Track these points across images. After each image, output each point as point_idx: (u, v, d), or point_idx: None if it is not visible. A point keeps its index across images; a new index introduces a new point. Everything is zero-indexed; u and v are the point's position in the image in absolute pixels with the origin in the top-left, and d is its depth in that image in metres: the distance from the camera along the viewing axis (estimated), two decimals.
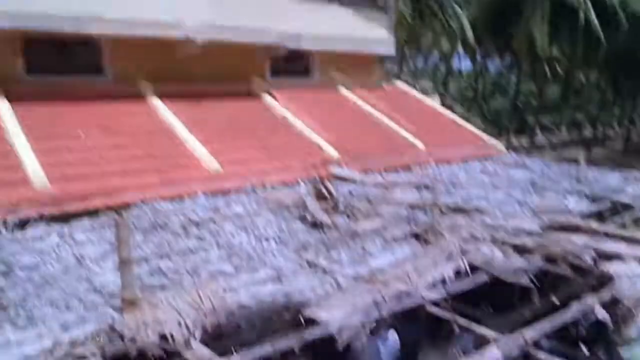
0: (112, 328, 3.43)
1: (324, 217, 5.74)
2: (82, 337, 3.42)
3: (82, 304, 3.99)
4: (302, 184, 7.34)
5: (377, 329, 5.55)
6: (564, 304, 4.43)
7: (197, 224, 5.72)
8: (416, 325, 5.98)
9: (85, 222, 5.75)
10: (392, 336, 5.71)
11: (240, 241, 5.23)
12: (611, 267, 4.80)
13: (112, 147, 7.14)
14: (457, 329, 5.21)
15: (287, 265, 4.68)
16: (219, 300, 3.84)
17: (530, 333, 3.62)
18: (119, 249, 3.75)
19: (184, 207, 6.32)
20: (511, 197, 7.50)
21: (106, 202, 6.03)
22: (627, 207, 7.38)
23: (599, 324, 5.50)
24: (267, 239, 5.29)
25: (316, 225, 5.69)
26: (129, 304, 3.75)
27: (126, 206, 6.12)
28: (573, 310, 4.04)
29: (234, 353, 3.30)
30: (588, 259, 4.94)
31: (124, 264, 3.67)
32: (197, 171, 7.13)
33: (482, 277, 4.53)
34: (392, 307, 3.98)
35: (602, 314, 5.47)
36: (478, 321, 4.07)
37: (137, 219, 5.82)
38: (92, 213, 5.91)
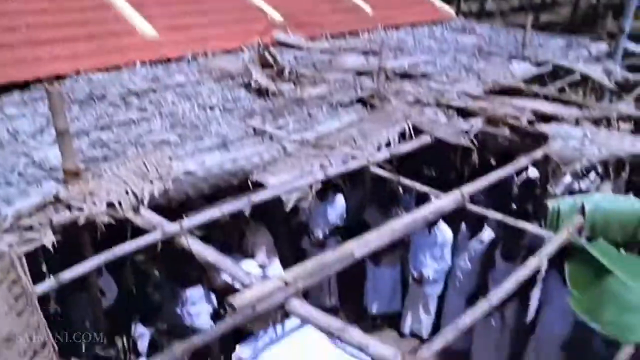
0: (57, 199, 3.40)
1: (269, 85, 5.64)
2: (27, 209, 3.38)
3: (23, 178, 3.90)
4: (245, 51, 7.09)
5: (324, 193, 5.81)
6: (501, 164, 4.71)
7: (137, 95, 5.52)
8: (361, 189, 6.28)
9: (15, 96, 5.44)
10: (339, 199, 6.00)
11: (184, 110, 5.12)
12: (547, 128, 5.05)
13: (37, 13, 6.54)
14: (400, 190, 5.52)
15: (233, 133, 4.66)
16: (166, 168, 3.84)
17: (468, 189, 3.85)
18: (55, 120, 3.59)
19: (121, 78, 6.04)
20: (457, 62, 7.56)
21: (36, 73, 5.67)
22: (568, 71, 7.62)
23: (531, 183, 5.94)
24: (211, 108, 5.20)
25: (261, 92, 5.61)
26: (71, 175, 3.69)
27: (58, 78, 5.80)
28: (508, 169, 4.29)
29: (184, 218, 3.38)
30: (525, 120, 5.16)
31: (61, 135, 3.54)
32: (132, 39, 6.71)
33: (425, 140, 4.68)
34: (338, 170, 4.09)
35: (533, 172, 5.90)
36: (420, 181, 4.28)
37: (72, 91, 5.55)
38: (22, 86, 5.58)
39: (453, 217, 5.54)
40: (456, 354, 5.75)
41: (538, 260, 3.19)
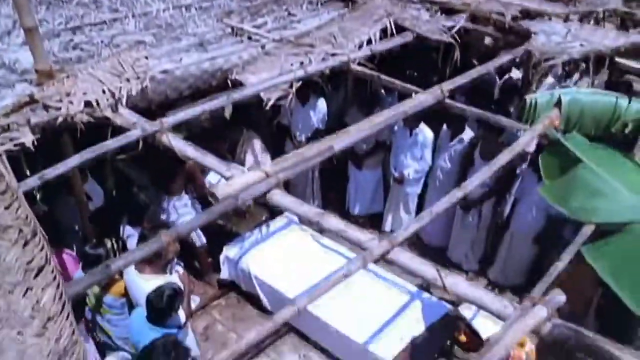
0: (32, 99, 3.38)
1: None
2: (1, 110, 3.38)
3: None
4: None
5: (306, 96, 5.80)
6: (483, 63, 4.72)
7: None
8: (343, 91, 6.27)
9: None
10: (320, 103, 6.01)
11: (158, 10, 4.97)
12: (531, 24, 5.02)
13: None
14: (381, 90, 5.54)
15: (210, 33, 4.57)
16: (142, 67, 3.80)
17: (447, 85, 3.89)
18: (21, 18, 3.48)
19: None
20: None
21: None
22: None
23: (513, 85, 5.98)
24: (187, 7, 5.05)
25: None
26: (44, 76, 3.65)
27: None
28: (488, 66, 4.31)
29: (162, 114, 3.41)
30: (510, 17, 5.11)
31: (30, 33, 3.45)
32: None
33: (407, 37, 4.64)
34: (318, 68, 4.08)
35: (516, 74, 5.93)
36: (401, 80, 4.30)
37: None
38: None
39: (434, 118, 5.64)
40: (434, 249, 6.09)
41: (512, 151, 3.31)
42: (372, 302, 4.79)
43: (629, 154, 3.39)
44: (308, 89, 5.68)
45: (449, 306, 4.93)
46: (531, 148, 4.48)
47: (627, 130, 3.59)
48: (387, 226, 6.32)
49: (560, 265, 2.51)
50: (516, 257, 5.47)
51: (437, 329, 4.65)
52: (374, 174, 6.23)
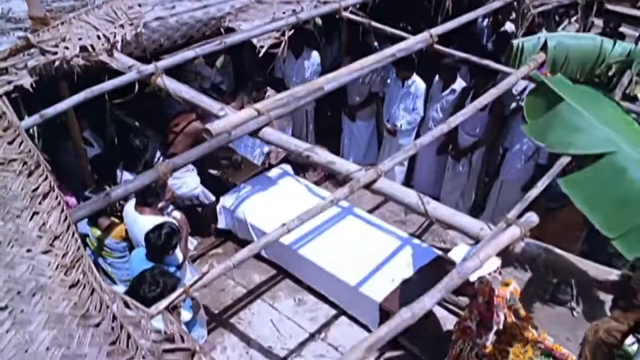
0: (29, 43, 3.49)
1: None
2: None
3: None
4: None
5: (300, 49, 5.90)
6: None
7: None
8: (336, 43, 6.34)
9: None
10: (314, 55, 6.10)
11: None
12: None
13: None
14: (373, 40, 5.61)
15: None
16: (135, 14, 3.89)
17: (436, 30, 4.00)
18: None
19: None
20: None
21: None
22: None
23: (506, 36, 6.06)
24: None
25: None
26: (38, 22, 3.75)
27: None
28: (478, 11, 4.40)
29: (157, 60, 3.52)
30: None
31: None
32: None
33: None
34: (309, 14, 4.17)
35: (510, 26, 6.00)
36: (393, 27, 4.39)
37: None
38: None
39: (427, 70, 5.75)
40: None
41: (499, 90, 3.44)
42: (364, 247, 5.01)
43: (609, 94, 3.52)
44: (301, 40, 5.77)
45: (439, 252, 5.17)
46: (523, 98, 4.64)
47: (610, 73, 3.72)
48: None
49: (534, 192, 2.69)
50: (505, 205, 5.65)
51: (427, 273, 4.87)
52: (367, 126, 6.37)
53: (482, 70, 4.91)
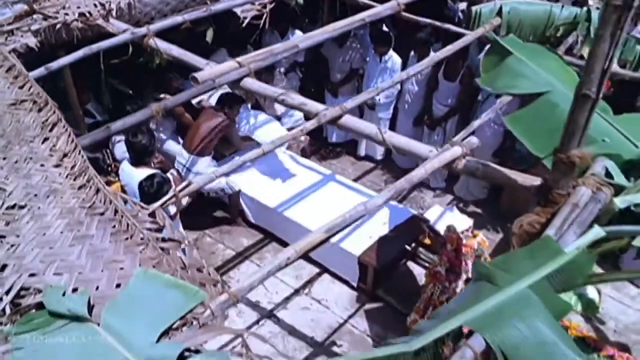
0: (31, 9, 3.94)
1: None
2: (5, 20, 3.94)
3: None
4: None
5: (284, 28, 6.38)
6: None
7: None
8: (319, 24, 6.81)
9: None
10: (298, 34, 6.58)
11: None
12: None
13: None
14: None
15: None
16: None
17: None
18: None
19: None
20: None
21: None
22: None
23: None
24: None
25: None
26: None
27: None
28: None
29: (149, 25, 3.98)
30: None
31: None
32: None
33: None
34: None
35: None
36: None
37: None
38: None
39: (403, 46, 6.24)
40: (405, 170, 6.74)
41: (455, 47, 3.92)
42: (344, 209, 5.47)
43: (554, 49, 4.01)
44: (286, 20, 6.26)
45: (414, 212, 5.64)
46: None
47: (559, 34, 4.21)
48: (362, 151, 6.97)
49: (476, 123, 3.17)
50: None
51: (403, 230, 5.34)
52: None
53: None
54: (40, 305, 2.08)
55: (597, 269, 5.58)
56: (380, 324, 4.82)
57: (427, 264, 5.32)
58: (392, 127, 6.69)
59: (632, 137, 2.83)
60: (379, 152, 6.89)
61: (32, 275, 2.17)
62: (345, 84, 6.71)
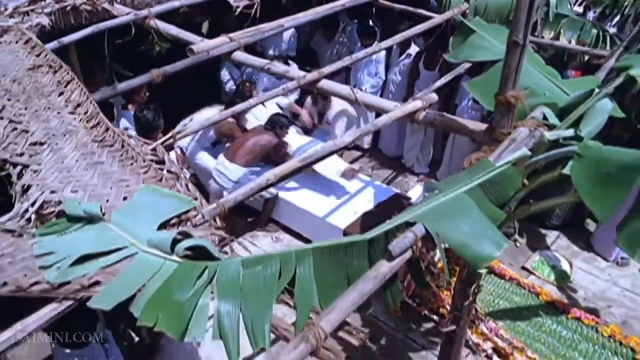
0: None
1: None
2: (21, 3, 4.47)
3: None
4: None
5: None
6: None
7: None
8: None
9: None
10: (290, 30, 7.12)
11: None
12: None
13: None
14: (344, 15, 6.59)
15: None
16: None
17: None
18: None
19: None
20: None
21: None
22: None
23: None
24: None
25: None
26: None
27: None
28: None
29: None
30: None
31: None
32: None
33: None
34: None
35: None
36: None
37: None
38: None
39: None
40: (392, 158, 7.27)
41: (422, 28, 4.44)
42: (331, 188, 5.94)
43: None
44: (278, 15, 6.80)
45: (397, 190, 6.12)
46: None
47: None
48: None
49: (437, 83, 3.68)
50: (459, 157, 6.63)
51: (386, 206, 5.80)
52: None
53: (433, 40, 5.99)
54: (59, 216, 2.55)
55: (572, 246, 6.09)
56: None
57: None
58: (378, 115, 7.19)
59: (566, 89, 3.33)
60: (366, 142, 7.39)
61: (52, 192, 2.65)
62: (334, 76, 7.19)
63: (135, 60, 5.49)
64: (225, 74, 6.84)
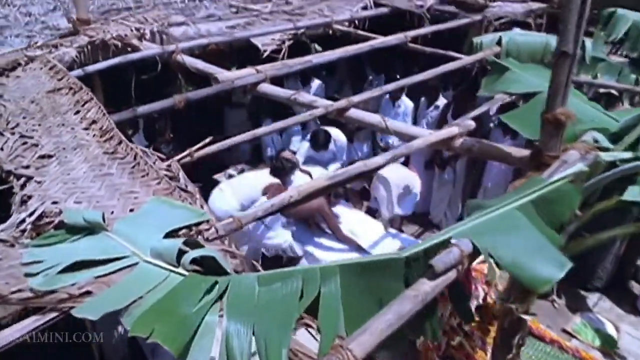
0: (75, 30, 4.40)
1: None
2: (51, 38, 4.40)
3: (44, 32, 4.92)
4: None
5: (305, 78, 6.83)
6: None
7: None
8: (337, 75, 7.29)
9: None
10: (319, 84, 7.03)
11: None
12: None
13: None
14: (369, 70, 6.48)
15: (220, 10, 5.65)
16: (161, 22, 4.84)
17: (411, 33, 4.86)
18: None
19: None
20: None
21: None
22: None
23: None
24: None
25: None
26: (84, 23, 4.69)
27: None
28: (448, 24, 5.28)
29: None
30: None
31: None
32: None
33: (384, 10, 5.67)
34: (305, 24, 5.08)
35: None
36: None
37: None
38: None
39: (414, 92, 6.61)
40: (418, 215, 6.88)
41: (459, 64, 4.21)
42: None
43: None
44: (307, 74, 6.72)
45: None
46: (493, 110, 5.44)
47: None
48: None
49: (475, 112, 3.38)
50: None
51: None
52: (364, 146, 7.12)
53: (462, 91, 5.80)
54: (58, 227, 2.24)
55: (616, 309, 5.54)
56: None
57: None
58: None
59: (616, 117, 3.01)
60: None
61: (54, 202, 2.35)
62: (360, 130, 7.01)
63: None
64: (265, 138, 6.59)
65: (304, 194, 2.46)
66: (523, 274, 1.91)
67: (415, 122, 6.64)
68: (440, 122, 6.36)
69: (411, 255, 1.99)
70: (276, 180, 4.87)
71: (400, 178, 5.83)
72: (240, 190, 4.82)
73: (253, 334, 1.76)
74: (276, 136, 6.62)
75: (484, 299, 4.39)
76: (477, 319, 4.41)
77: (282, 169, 5.13)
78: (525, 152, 2.88)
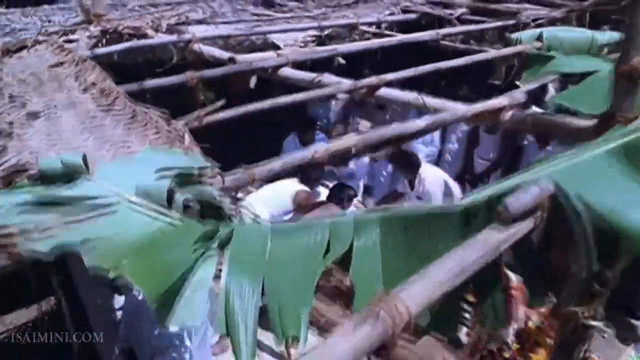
0: (90, 20, 4.11)
1: None
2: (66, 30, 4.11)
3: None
4: None
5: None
6: None
7: None
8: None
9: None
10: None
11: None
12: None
13: None
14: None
15: (246, 17, 5.36)
16: (177, 17, 4.54)
17: (443, 31, 4.48)
18: None
19: None
20: None
21: None
22: None
23: None
24: None
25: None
26: (99, 17, 4.41)
27: None
28: (480, 25, 4.90)
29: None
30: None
31: None
32: None
33: (412, 16, 5.33)
34: (328, 23, 4.75)
35: None
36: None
37: None
38: None
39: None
40: None
41: (492, 54, 3.78)
42: None
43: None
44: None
45: None
46: None
47: (603, 53, 4.05)
48: None
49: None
50: None
51: None
52: (388, 164, 6.65)
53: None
54: (32, 178, 1.81)
55: None
56: None
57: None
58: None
59: None
60: None
61: (31, 153, 1.93)
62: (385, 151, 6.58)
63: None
64: (287, 146, 6.20)
65: (331, 152, 2.00)
66: (624, 223, 1.41)
67: (443, 138, 6.19)
68: (470, 137, 5.90)
69: (472, 205, 1.51)
70: (305, 188, 4.56)
71: (445, 178, 5.37)
72: (269, 200, 4.45)
73: (262, 293, 1.29)
74: (298, 144, 6.19)
75: (525, 322, 3.84)
76: (517, 345, 3.87)
77: (309, 180, 4.79)
78: (590, 122, 2.39)
